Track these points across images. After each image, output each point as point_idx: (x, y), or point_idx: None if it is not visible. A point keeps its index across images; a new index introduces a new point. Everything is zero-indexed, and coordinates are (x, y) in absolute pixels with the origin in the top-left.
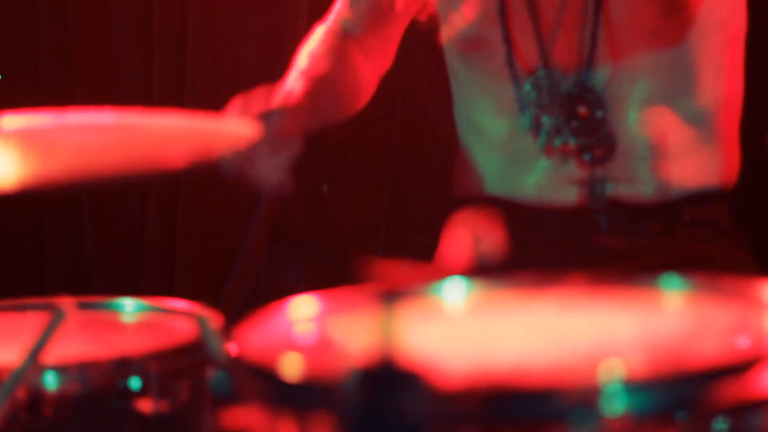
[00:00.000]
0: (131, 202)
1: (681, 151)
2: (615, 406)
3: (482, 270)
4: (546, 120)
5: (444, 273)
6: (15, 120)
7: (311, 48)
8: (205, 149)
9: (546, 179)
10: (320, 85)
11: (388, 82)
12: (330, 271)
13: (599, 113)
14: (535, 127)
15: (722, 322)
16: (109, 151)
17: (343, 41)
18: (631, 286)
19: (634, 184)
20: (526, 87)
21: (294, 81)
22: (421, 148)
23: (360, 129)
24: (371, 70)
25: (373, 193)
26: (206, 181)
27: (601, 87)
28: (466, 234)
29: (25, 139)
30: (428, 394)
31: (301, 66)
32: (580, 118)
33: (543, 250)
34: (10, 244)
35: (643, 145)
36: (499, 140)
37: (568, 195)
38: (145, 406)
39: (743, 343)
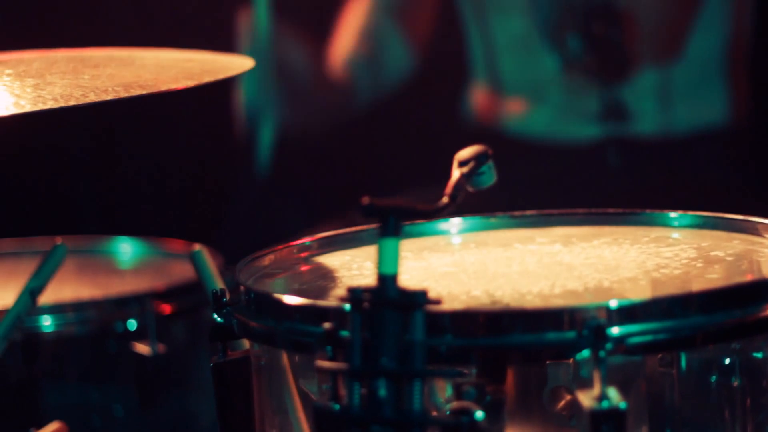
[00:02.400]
0: (125, 138)
1: (688, 88)
2: (617, 335)
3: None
4: (566, 39)
5: (446, 208)
6: (9, 56)
7: None
8: (197, 75)
9: (561, 112)
10: None
11: None
12: (329, 206)
13: (615, 32)
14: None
15: (726, 254)
16: (103, 77)
17: None
18: (636, 220)
19: (643, 120)
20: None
21: None
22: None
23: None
24: None
25: (376, 131)
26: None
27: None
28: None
29: (18, 68)
30: (432, 316)
31: None
32: (597, 36)
33: (551, 187)
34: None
35: (653, 75)
36: (516, 71)
37: (582, 130)
38: (143, 348)
39: (747, 274)
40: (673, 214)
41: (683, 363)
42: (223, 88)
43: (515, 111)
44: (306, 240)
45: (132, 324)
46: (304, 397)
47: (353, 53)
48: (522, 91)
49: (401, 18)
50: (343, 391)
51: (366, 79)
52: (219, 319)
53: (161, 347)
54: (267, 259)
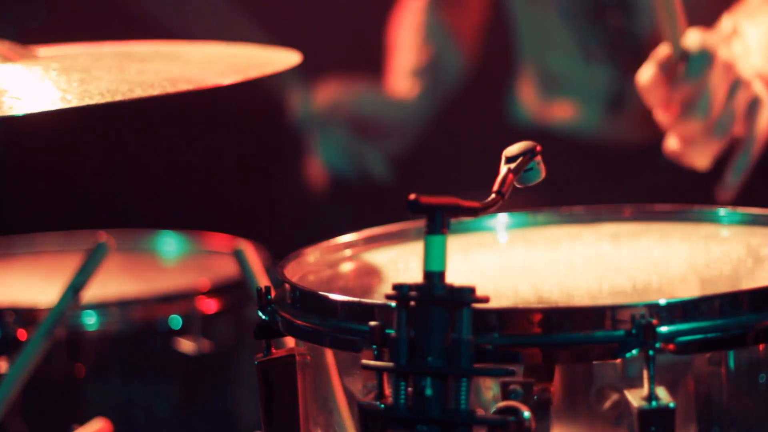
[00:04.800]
0: (172, 133)
1: None
2: (667, 333)
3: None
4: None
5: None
6: (52, 50)
7: None
8: (244, 69)
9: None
10: None
11: None
12: (376, 205)
13: (623, 20)
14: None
15: None
16: (149, 72)
17: None
18: (685, 217)
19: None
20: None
21: None
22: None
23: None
24: None
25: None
26: (248, 111)
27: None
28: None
29: (64, 63)
30: (479, 314)
31: None
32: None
33: (599, 183)
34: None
35: None
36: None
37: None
38: (187, 345)
39: None
40: (722, 212)
41: (732, 362)
42: (272, 82)
43: (565, 108)
44: (352, 236)
45: (176, 321)
46: (349, 395)
47: (414, 64)
48: (572, 88)
49: (450, 18)
50: (388, 390)
51: (429, 87)
52: (264, 317)
53: (205, 345)
54: (312, 256)
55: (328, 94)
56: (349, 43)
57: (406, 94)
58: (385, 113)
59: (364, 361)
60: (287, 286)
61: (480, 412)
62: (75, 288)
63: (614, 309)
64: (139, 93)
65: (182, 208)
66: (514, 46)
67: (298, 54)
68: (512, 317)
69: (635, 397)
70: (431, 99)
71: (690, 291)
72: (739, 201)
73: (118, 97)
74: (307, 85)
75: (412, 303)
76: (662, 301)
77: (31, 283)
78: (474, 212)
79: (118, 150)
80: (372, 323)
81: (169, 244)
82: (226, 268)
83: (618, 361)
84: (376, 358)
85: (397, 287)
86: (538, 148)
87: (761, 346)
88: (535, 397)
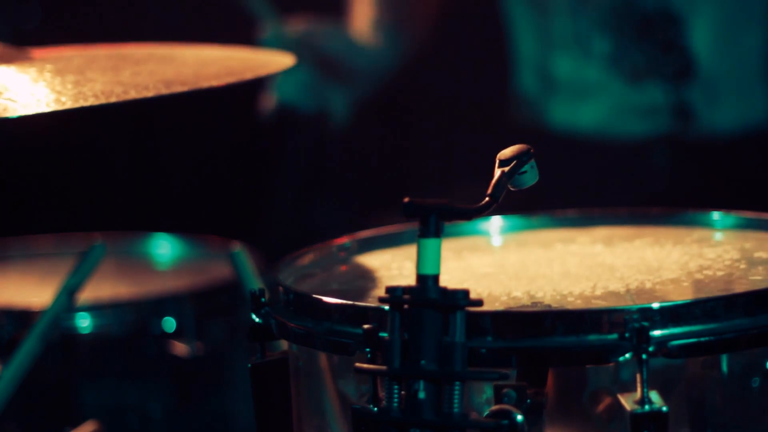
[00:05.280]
0: (164, 135)
1: (736, 87)
2: (660, 337)
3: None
4: (615, 43)
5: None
6: (50, 53)
7: None
8: (239, 71)
9: (612, 109)
10: None
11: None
12: (369, 206)
13: (670, 33)
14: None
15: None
16: (143, 73)
17: None
18: (679, 220)
19: (694, 112)
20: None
21: None
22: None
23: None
24: None
25: (418, 129)
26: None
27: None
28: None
29: (58, 65)
30: (472, 317)
31: None
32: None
33: (593, 186)
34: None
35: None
36: (563, 71)
37: (632, 127)
38: (180, 348)
39: None
40: (715, 215)
41: (725, 366)
42: (264, 84)
43: (561, 109)
44: (346, 240)
45: (170, 324)
46: (343, 398)
47: (374, 18)
48: (568, 88)
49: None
50: (382, 393)
51: (390, 45)
52: (257, 320)
53: (199, 347)
54: (306, 259)
55: (297, 27)
56: None
57: (368, 43)
58: (348, 56)
59: (358, 364)
60: (281, 288)
61: (473, 415)
62: (69, 290)
63: (607, 313)
64: (133, 95)
65: (176, 210)
66: (510, 46)
67: (291, 57)
68: (505, 320)
69: (628, 401)
70: (394, 56)
71: (683, 295)
72: (732, 205)
73: (113, 99)
74: (278, 17)
75: (406, 306)
76: (655, 305)
77: (25, 286)
78: (467, 215)
79: (112, 153)
80: (365, 326)
81: (163, 246)
82: (220, 271)
83: (611, 364)
84: (370, 362)
85: (390, 290)
86: (532, 151)
87: (754, 350)
88: (528, 400)
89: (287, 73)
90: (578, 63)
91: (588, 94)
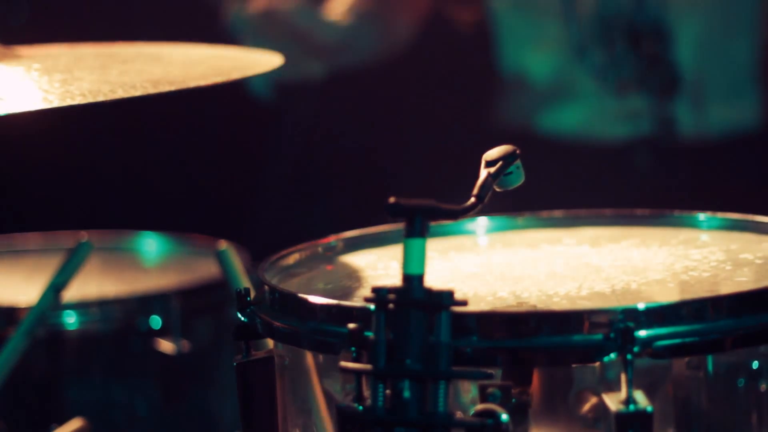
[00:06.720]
0: (151, 133)
1: (724, 93)
2: (645, 337)
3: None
4: (604, 54)
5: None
6: (37, 51)
7: None
8: (226, 71)
9: (596, 113)
10: None
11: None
12: (355, 205)
13: (658, 47)
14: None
15: (756, 257)
16: (131, 73)
17: None
18: (665, 222)
19: (676, 124)
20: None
21: None
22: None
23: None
24: None
25: (404, 130)
26: (227, 112)
27: (658, 21)
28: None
29: (45, 63)
30: (457, 317)
31: None
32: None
33: (579, 187)
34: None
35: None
36: (548, 78)
37: (615, 130)
38: (167, 345)
39: None
40: (701, 216)
41: (711, 366)
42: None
43: (544, 111)
44: (332, 239)
45: (156, 321)
46: (328, 397)
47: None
48: (552, 91)
49: None
50: (367, 392)
51: (365, 27)
52: (243, 318)
53: (185, 345)
54: (292, 258)
55: (259, 4)
56: None
57: (338, 18)
58: (315, 30)
59: (343, 363)
60: (266, 287)
61: (458, 414)
62: (55, 288)
63: (593, 313)
64: (120, 94)
65: (163, 208)
66: (497, 49)
67: (280, 56)
68: (491, 320)
69: (613, 401)
70: (369, 38)
71: (669, 295)
72: (719, 206)
73: (100, 98)
74: None
75: (391, 306)
76: (641, 306)
77: (11, 283)
78: (453, 215)
79: (99, 150)
80: (351, 326)
81: (150, 244)
82: (206, 269)
83: (596, 364)
84: (355, 361)
85: (376, 290)
86: (518, 152)
87: (740, 351)
88: (513, 400)
89: (258, 45)
90: (564, 68)
91: (572, 98)
